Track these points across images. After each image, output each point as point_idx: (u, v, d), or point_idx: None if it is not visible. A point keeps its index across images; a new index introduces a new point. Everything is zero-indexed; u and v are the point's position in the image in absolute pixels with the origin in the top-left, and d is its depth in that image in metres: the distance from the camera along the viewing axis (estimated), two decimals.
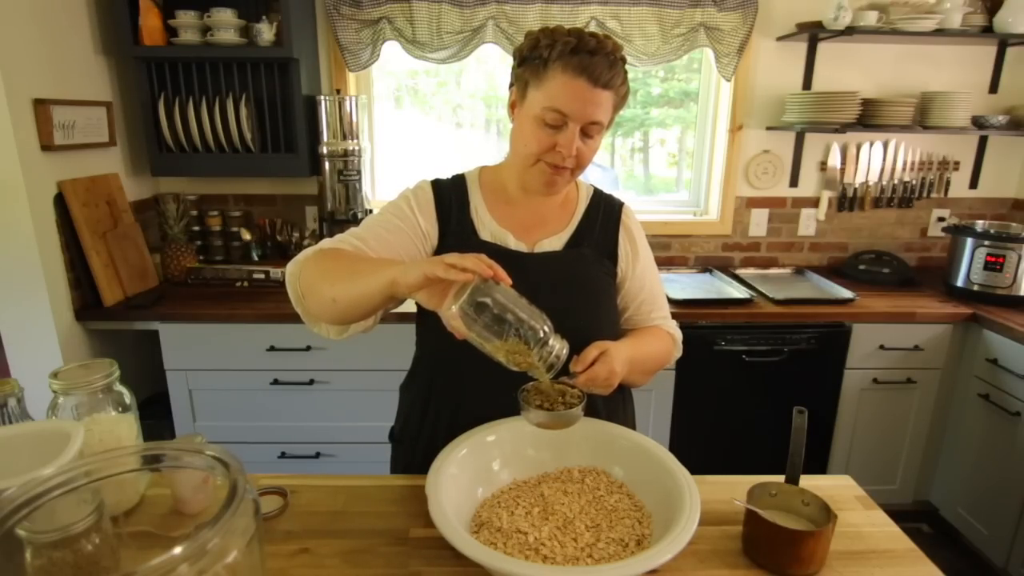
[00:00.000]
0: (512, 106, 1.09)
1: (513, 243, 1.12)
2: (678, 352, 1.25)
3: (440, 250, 1.12)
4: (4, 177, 1.80)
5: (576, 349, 1.03)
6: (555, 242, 1.14)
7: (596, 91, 0.99)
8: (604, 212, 1.18)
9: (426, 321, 1.10)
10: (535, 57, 1.02)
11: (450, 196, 1.14)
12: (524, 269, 1.06)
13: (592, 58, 0.98)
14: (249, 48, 2.20)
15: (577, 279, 1.12)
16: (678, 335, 1.24)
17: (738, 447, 2.30)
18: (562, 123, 1.00)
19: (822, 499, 0.91)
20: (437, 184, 1.16)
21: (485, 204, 1.15)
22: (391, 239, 1.07)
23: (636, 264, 1.18)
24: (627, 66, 1.05)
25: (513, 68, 1.08)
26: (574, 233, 1.15)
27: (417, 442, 1.15)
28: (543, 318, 0.84)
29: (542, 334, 0.83)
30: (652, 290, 1.20)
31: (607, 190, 1.24)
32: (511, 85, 1.09)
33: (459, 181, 1.18)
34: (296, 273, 1.02)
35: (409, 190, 1.15)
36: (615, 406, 1.16)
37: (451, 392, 1.11)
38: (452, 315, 0.79)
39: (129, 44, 2.13)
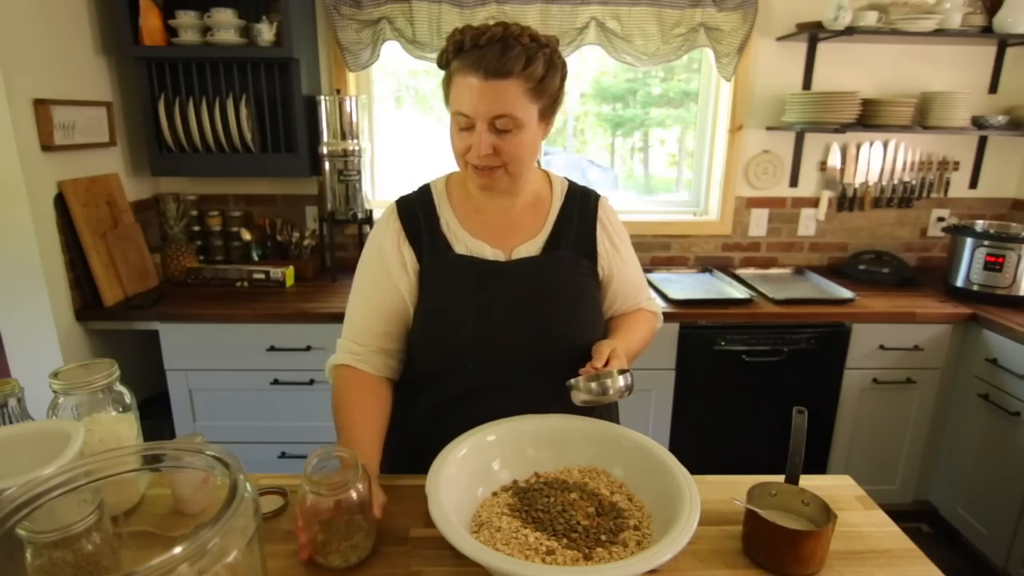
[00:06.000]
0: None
1: (490, 253, 1.09)
2: (659, 324, 1.30)
3: (422, 272, 1.09)
4: (4, 177, 1.80)
5: (559, 354, 1.06)
6: (531, 247, 1.11)
7: (489, 84, 0.95)
8: (580, 209, 1.16)
9: (421, 341, 1.11)
10: (443, 65, 1.02)
11: (418, 215, 1.11)
12: (503, 279, 1.07)
13: (480, 51, 0.95)
14: (249, 48, 2.20)
15: (557, 284, 1.10)
16: (658, 308, 1.30)
17: (738, 447, 2.30)
18: (471, 124, 0.99)
19: (822, 499, 0.91)
20: (403, 204, 1.13)
21: (456, 216, 1.12)
22: (376, 316, 1.10)
23: (617, 259, 1.17)
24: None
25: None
26: (550, 235, 1.12)
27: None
28: None
29: None
30: (635, 279, 1.23)
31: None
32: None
33: (425, 195, 1.14)
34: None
35: (379, 223, 1.13)
36: None
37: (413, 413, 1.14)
38: None
39: (129, 44, 2.13)
